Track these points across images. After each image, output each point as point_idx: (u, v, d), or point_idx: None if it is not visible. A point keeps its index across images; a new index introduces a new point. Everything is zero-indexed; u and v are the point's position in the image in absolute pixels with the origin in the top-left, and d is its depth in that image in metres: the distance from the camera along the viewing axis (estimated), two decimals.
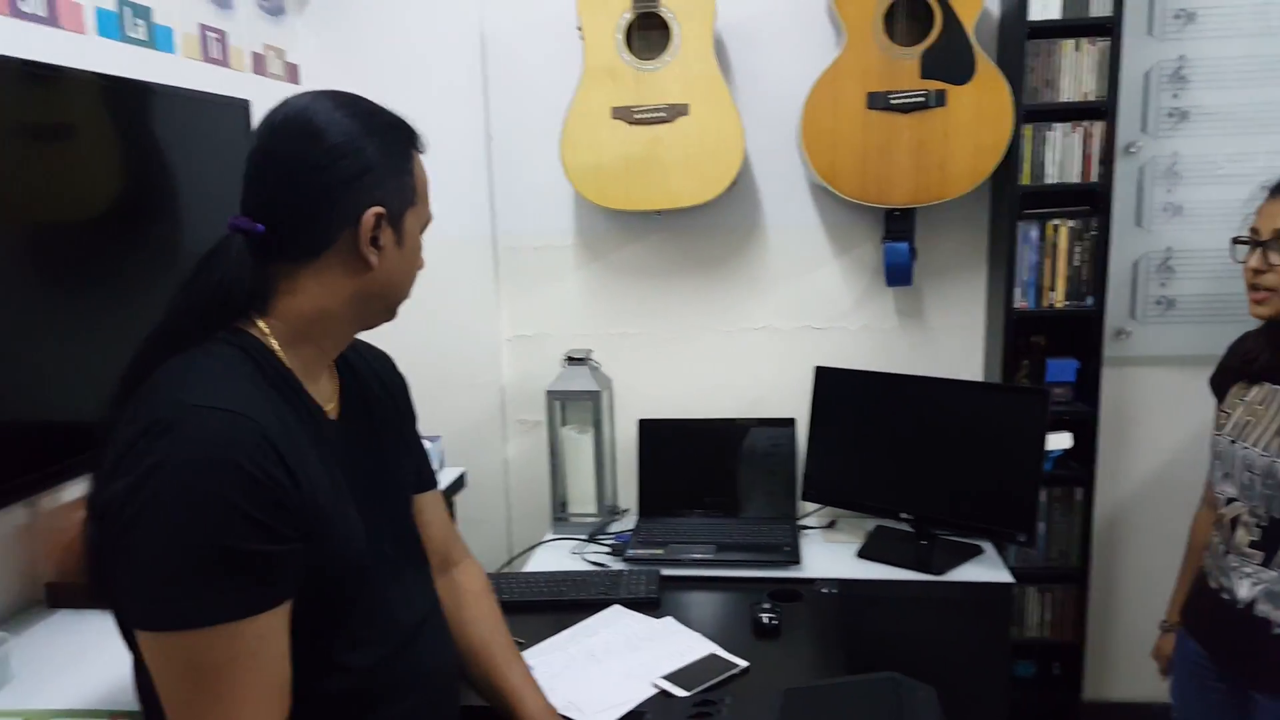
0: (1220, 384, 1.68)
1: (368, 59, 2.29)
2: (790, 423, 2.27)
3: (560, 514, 2.30)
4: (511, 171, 2.34)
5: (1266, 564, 1.50)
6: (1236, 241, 1.56)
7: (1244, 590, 1.53)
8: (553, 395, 2.25)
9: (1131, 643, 2.34)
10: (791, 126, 2.23)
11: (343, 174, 0.90)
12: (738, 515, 2.27)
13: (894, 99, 2.05)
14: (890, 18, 2.05)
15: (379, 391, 1.10)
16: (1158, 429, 2.27)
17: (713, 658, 1.57)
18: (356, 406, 1.04)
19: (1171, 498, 2.27)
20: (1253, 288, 1.51)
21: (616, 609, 1.77)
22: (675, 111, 2.10)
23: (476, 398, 2.43)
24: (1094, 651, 2.32)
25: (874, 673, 1.41)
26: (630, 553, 2.08)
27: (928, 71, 2.04)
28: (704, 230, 2.33)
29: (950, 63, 2.03)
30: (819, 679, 1.47)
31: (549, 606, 1.78)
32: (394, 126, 0.97)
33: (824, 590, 1.97)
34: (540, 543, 2.22)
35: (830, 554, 2.11)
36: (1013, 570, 2.01)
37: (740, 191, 2.28)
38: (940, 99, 2.03)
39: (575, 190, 2.18)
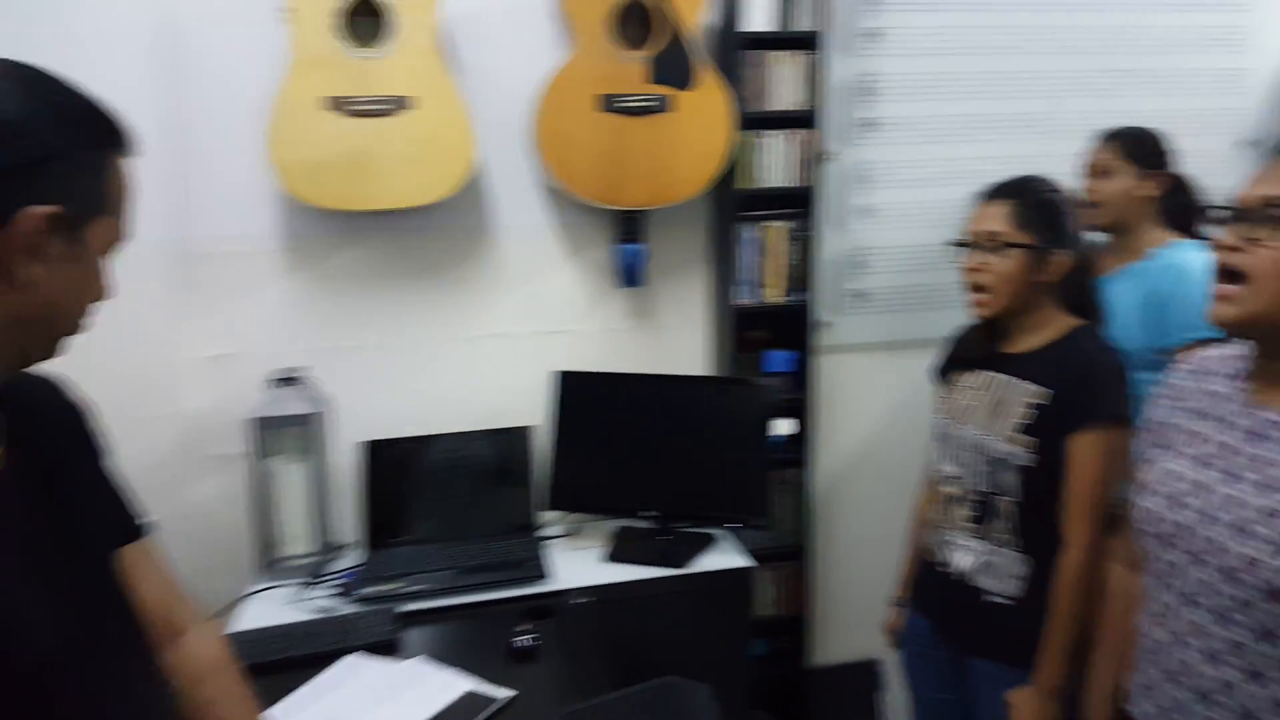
0: (942, 371, 1.85)
1: (23, 43, 1.89)
2: (525, 431, 2.21)
3: (270, 559, 2.04)
4: (205, 169, 2.05)
5: (979, 537, 1.68)
6: (955, 244, 1.73)
7: (962, 562, 1.70)
8: (255, 422, 2.00)
9: (848, 608, 2.56)
10: (522, 127, 2.16)
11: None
12: (476, 534, 2.14)
13: (623, 102, 2.05)
14: (619, 21, 2.05)
15: (53, 429, 0.90)
16: (861, 410, 2.50)
17: (471, 695, 1.49)
18: (30, 452, 0.83)
19: (877, 471, 2.51)
20: (973, 288, 1.68)
21: (354, 658, 1.62)
22: (398, 104, 1.95)
23: (155, 432, 2.10)
24: (819, 621, 2.51)
25: (649, 680, 1.40)
26: (360, 592, 1.90)
27: (655, 76, 2.06)
28: (430, 233, 2.19)
29: (675, 69, 2.07)
30: (591, 696, 1.44)
31: (272, 669, 1.57)
32: (90, 116, 0.79)
33: (577, 601, 1.94)
34: (247, 595, 1.96)
35: (578, 562, 2.08)
36: (752, 553, 2.11)
37: (470, 192, 2.17)
38: (668, 104, 2.07)
39: (284, 189, 1.96)
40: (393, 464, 2.14)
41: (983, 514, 1.67)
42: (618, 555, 2.10)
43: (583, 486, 2.20)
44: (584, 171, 2.08)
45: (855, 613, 2.53)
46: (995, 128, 2.43)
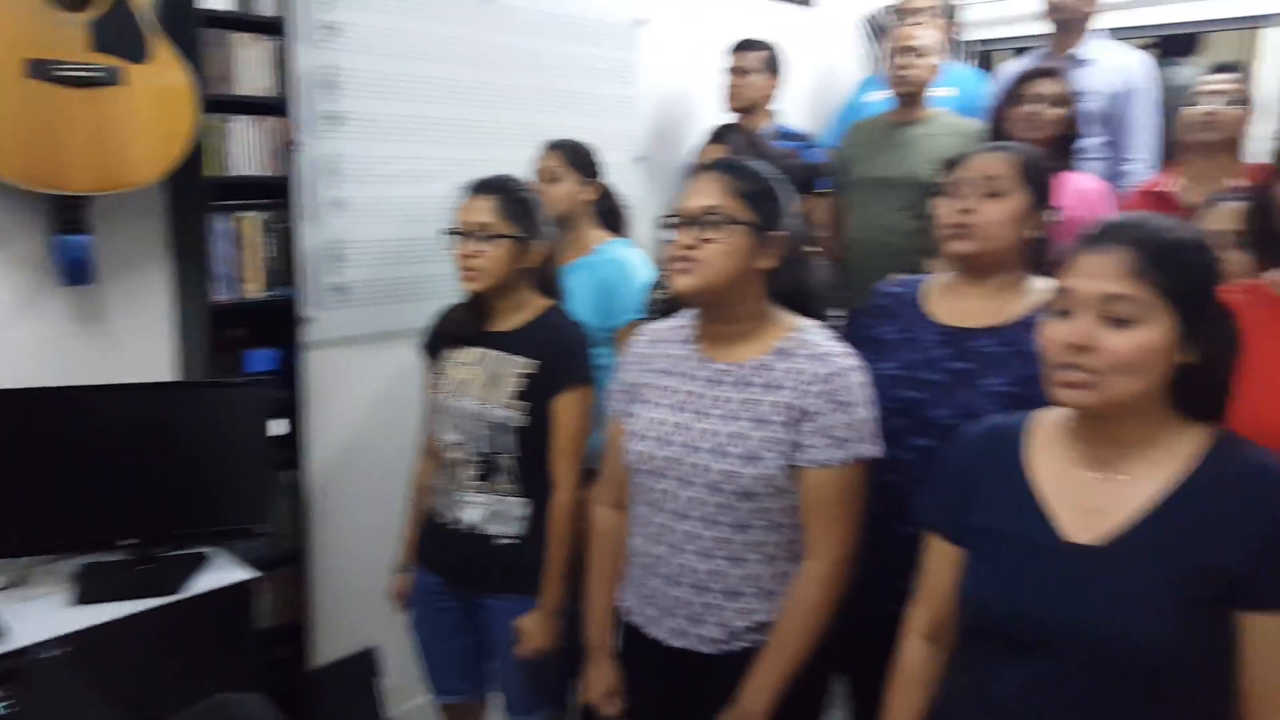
0: (433, 349, 2.00)
1: None
2: None
3: None
4: None
5: (486, 491, 1.88)
6: (449, 233, 1.86)
7: (472, 516, 1.88)
8: None
9: (352, 602, 2.53)
10: None
11: None
12: None
13: (60, 70, 1.76)
14: None
15: None
16: (350, 404, 2.49)
17: None
18: None
19: (371, 462, 2.52)
20: (466, 270, 1.85)
21: None
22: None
23: None
24: (322, 622, 2.45)
25: (198, 704, 1.30)
26: None
27: (97, 44, 1.80)
28: None
29: (123, 37, 1.83)
30: None
31: None
32: None
33: (49, 655, 1.66)
34: None
35: (37, 612, 1.77)
36: (251, 563, 2.00)
37: None
38: (118, 77, 1.83)
39: None
40: None
41: (487, 471, 1.88)
42: (89, 595, 1.82)
43: (26, 525, 1.85)
44: (9, 148, 1.74)
45: (359, 605, 2.53)
46: (448, 130, 2.60)
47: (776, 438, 1.41)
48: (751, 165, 1.49)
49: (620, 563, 1.64)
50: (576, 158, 2.40)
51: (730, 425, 1.44)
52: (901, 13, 3.29)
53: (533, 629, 1.85)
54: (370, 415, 2.53)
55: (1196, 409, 1.08)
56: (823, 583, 1.42)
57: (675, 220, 1.46)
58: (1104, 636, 1.02)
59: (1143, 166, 2.84)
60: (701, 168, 1.53)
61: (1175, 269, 1.03)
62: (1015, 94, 2.43)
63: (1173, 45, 3.51)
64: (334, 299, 2.42)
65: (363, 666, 2.64)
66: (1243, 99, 2.30)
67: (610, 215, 2.52)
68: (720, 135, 2.12)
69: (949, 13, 3.35)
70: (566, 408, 1.85)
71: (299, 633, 2.36)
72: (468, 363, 1.91)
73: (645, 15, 3.04)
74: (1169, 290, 1.02)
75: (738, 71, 2.96)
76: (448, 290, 2.01)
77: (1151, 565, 1.02)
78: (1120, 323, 1.02)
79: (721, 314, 1.49)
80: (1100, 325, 1.03)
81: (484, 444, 1.87)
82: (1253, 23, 3.17)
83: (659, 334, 1.62)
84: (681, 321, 1.60)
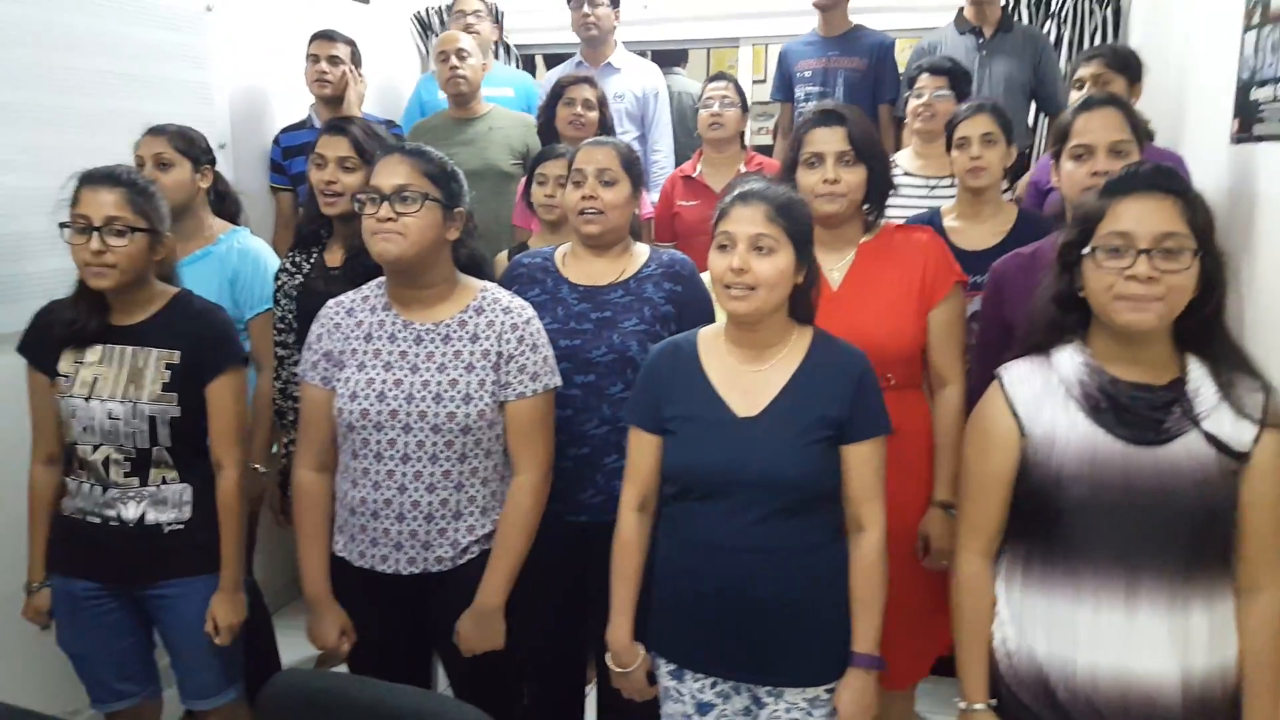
0: (43, 354, 1.87)
1: None
2: None
3: None
4: None
5: (144, 484, 1.86)
6: (64, 227, 1.79)
7: (132, 511, 1.86)
8: None
9: None
10: None
11: None
12: None
13: None
14: None
15: None
16: None
17: None
18: None
19: None
20: (86, 266, 1.78)
21: None
22: None
23: None
24: None
25: None
26: None
27: None
28: None
29: None
30: None
31: None
32: None
33: None
34: None
35: None
36: None
37: None
38: None
39: None
40: None
41: (144, 465, 1.87)
42: None
43: None
44: None
45: None
46: (14, 115, 2.35)
47: (485, 379, 1.70)
48: (430, 150, 1.74)
49: (328, 520, 1.79)
50: (188, 144, 2.35)
51: (444, 375, 1.69)
52: (452, 15, 3.62)
53: (220, 606, 1.90)
54: None
55: (803, 315, 1.62)
56: (532, 490, 1.75)
57: (373, 196, 1.66)
58: (768, 475, 1.51)
59: (664, 155, 3.55)
60: (389, 149, 1.74)
61: (793, 217, 1.54)
62: (560, 98, 2.90)
63: (667, 57, 4.35)
64: None
65: None
66: (737, 103, 3.04)
67: (223, 202, 2.51)
68: (337, 127, 2.22)
69: (496, 16, 3.76)
70: (222, 391, 1.89)
71: None
72: (94, 361, 1.85)
73: (212, 1, 2.98)
74: (789, 231, 1.53)
75: (330, 60, 3.05)
76: (36, 289, 1.89)
77: (790, 423, 1.54)
78: (765, 252, 1.51)
79: (416, 280, 1.73)
80: (751, 255, 1.51)
81: (136, 439, 1.84)
82: (732, 42, 4.12)
83: (352, 305, 1.79)
84: (366, 293, 1.80)
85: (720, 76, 3.10)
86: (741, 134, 3.10)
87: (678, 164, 3.44)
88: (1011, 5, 3.47)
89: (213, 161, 2.43)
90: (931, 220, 2.37)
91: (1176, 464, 1.31)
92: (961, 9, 3.21)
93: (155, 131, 2.34)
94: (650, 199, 3.12)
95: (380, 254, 1.66)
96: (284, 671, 1.46)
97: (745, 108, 3.08)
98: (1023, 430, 1.41)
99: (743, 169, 2.97)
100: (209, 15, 2.98)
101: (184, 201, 2.32)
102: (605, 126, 2.94)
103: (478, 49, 3.24)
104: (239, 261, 2.38)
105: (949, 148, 2.37)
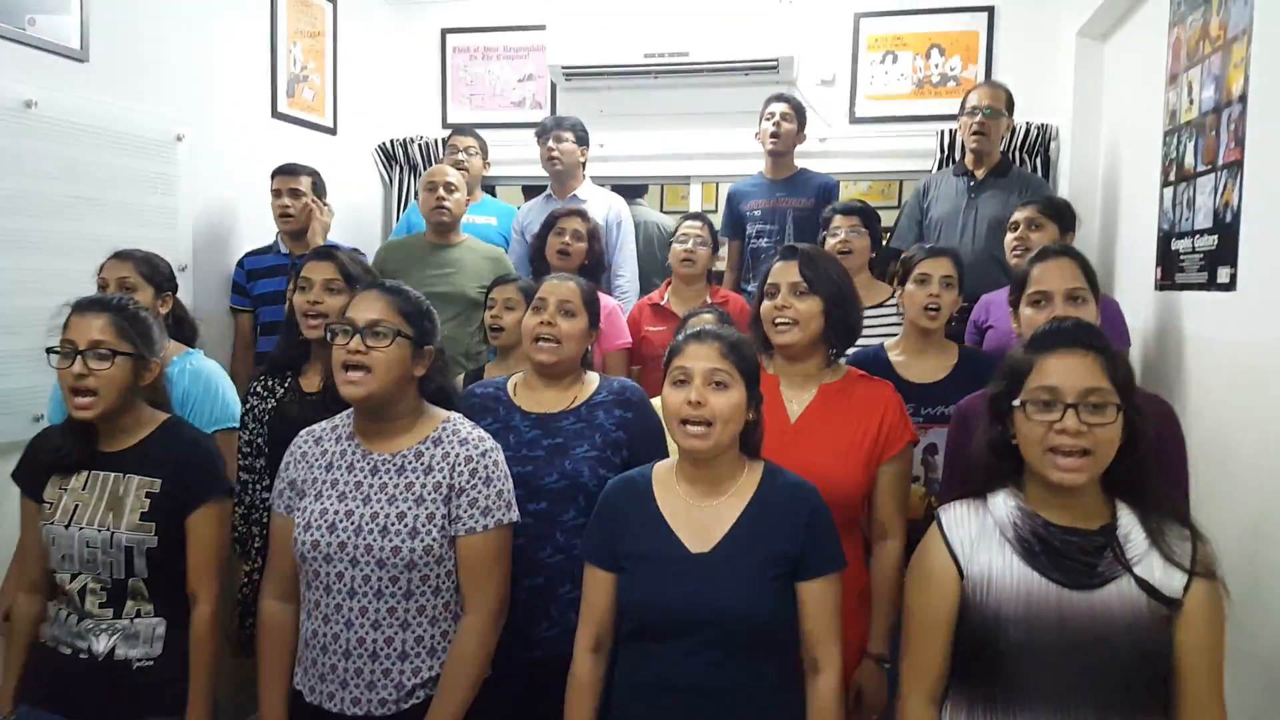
0: (33, 479, 1.85)
1: None
2: None
3: None
4: None
5: (117, 616, 1.81)
6: (51, 351, 1.80)
7: (102, 644, 1.80)
8: None
9: None
10: None
11: None
12: None
13: None
14: None
15: None
16: None
17: None
18: None
19: None
20: (74, 392, 1.77)
21: None
22: None
23: None
24: None
25: None
26: None
27: None
28: None
29: None
30: None
31: None
32: None
33: None
34: None
35: None
36: None
37: None
38: None
39: None
40: None
41: (118, 596, 1.82)
42: None
43: None
44: None
45: None
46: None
47: (434, 512, 1.69)
48: (409, 290, 1.79)
49: (291, 653, 1.76)
50: (152, 270, 2.38)
51: (392, 507, 1.68)
52: (446, 147, 3.79)
53: None
54: None
55: (752, 451, 1.66)
56: (479, 633, 1.71)
57: (345, 328, 1.69)
58: (722, 612, 1.52)
59: (627, 280, 3.64)
60: (366, 285, 1.78)
61: (743, 355, 1.61)
62: (551, 227, 3.03)
63: (630, 190, 4.52)
64: None
65: None
66: (709, 242, 3.17)
67: (180, 327, 2.52)
68: (325, 253, 2.25)
69: (486, 154, 3.90)
70: (203, 523, 1.84)
71: None
72: (76, 488, 1.83)
73: (184, 130, 3.06)
74: (741, 368, 1.59)
75: (291, 193, 3.12)
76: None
77: (743, 560, 1.55)
78: (720, 387, 1.56)
79: (382, 414, 1.74)
80: (708, 389, 1.55)
81: (112, 569, 1.79)
82: (683, 180, 4.32)
83: (320, 434, 1.80)
84: (336, 422, 1.81)
85: (696, 217, 3.25)
86: (707, 268, 3.24)
87: (641, 285, 3.60)
88: (939, 144, 3.71)
89: (174, 289, 2.46)
90: (876, 356, 2.45)
91: (1109, 608, 1.34)
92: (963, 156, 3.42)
93: (121, 256, 2.38)
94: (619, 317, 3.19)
95: (348, 396, 1.69)
96: None
97: (715, 247, 3.25)
98: (961, 571, 1.44)
99: (709, 300, 3.08)
100: (179, 144, 3.05)
101: None
102: (595, 257, 3.06)
103: (464, 184, 3.37)
104: (190, 383, 2.37)
105: (902, 281, 2.47)
